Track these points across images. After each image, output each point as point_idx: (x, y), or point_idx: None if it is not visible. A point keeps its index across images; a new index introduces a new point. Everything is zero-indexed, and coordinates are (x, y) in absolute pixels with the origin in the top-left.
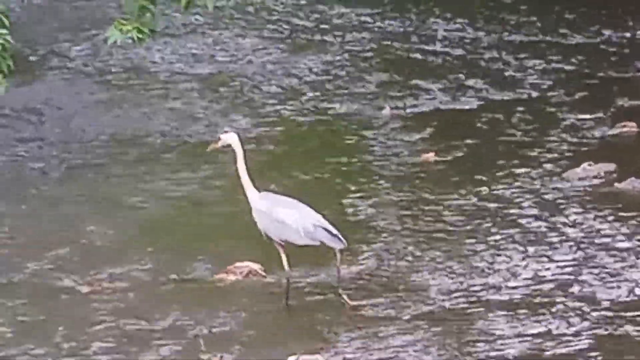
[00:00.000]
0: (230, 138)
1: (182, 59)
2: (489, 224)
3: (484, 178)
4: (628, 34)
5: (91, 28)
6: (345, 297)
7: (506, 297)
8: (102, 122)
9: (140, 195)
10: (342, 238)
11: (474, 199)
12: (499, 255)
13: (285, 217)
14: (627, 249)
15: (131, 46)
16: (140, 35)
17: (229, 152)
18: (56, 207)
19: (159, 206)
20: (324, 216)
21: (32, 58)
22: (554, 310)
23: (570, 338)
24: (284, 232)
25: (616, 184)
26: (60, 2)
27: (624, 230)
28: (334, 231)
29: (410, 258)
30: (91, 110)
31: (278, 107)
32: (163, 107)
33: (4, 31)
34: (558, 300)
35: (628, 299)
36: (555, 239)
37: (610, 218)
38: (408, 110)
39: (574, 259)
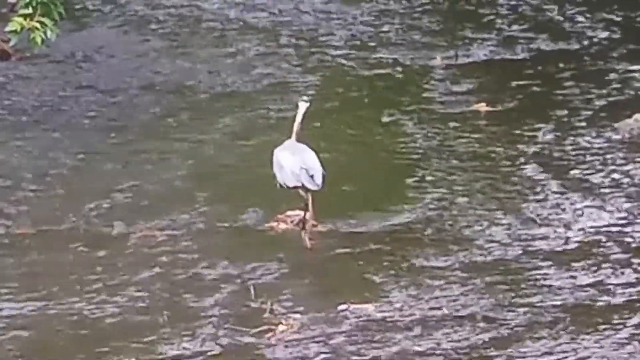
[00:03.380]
0: (300, 106)
1: (237, 8)
2: (541, 175)
3: (535, 129)
4: None
5: None
6: (306, 238)
7: (558, 248)
8: (153, 70)
9: (190, 144)
10: (317, 180)
11: (526, 150)
12: (551, 206)
13: (283, 159)
14: None
15: None
16: None
17: (280, 102)
18: (105, 155)
19: (209, 155)
20: (322, 162)
21: (84, 5)
22: (605, 260)
23: (622, 289)
24: (281, 175)
25: None
26: None
27: None
28: (312, 172)
29: (460, 208)
30: (143, 59)
31: (329, 57)
32: (216, 57)
33: None
34: (610, 251)
35: None
36: (607, 190)
37: None
38: (459, 61)
39: (626, 210)
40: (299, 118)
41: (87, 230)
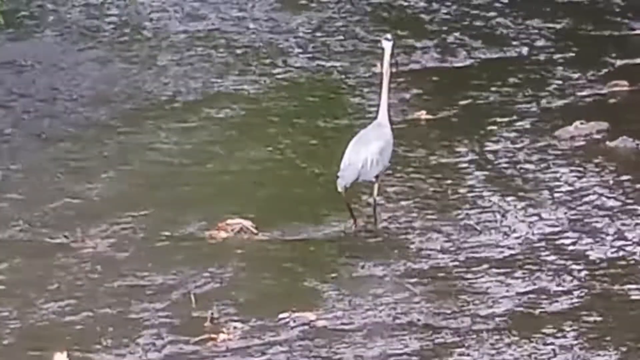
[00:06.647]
0: (385, 46)
1: (174, 16)
2: (480, 183)
3: (476, 136)
4: None
5: None
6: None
7: (497, 255)
8: (93, 79)
9: (131, 152)
10: (340, 178)
11: (465, 158)
12: (489, 213)
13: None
14: (617, 207)
15: (124, 3)
16: None
17: (223, 110)
18: (44, 164)
19: (151, 163)
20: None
21: (23, 14)
22: (544, 268)
23: (561, 296)
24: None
25: (608, 143)
26: None
27: (615, 188)
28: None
29: (400, 216)
30: (82, 67)
31: (270, 65)
32: (155, 65)
33: None
34: (549, 258)
35: (617, 257)
36: (546, 197)
37: (602, 176)
38: (399, 69)
39: (565, 217)
40: (386, 58)
41: (26, 239)
